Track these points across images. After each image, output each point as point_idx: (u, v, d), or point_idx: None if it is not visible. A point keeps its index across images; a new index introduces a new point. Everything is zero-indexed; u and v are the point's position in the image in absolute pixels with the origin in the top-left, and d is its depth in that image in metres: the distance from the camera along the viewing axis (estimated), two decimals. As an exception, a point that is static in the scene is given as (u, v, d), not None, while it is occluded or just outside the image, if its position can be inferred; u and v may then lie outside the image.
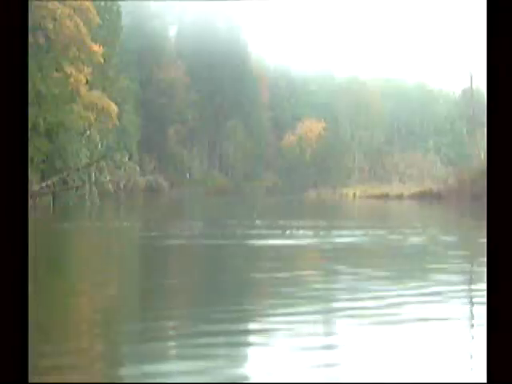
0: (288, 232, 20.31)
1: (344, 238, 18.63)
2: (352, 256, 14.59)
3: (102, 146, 61.02)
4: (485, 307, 5.15)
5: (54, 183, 43.76)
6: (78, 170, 46.16)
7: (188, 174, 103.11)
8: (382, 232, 21.31)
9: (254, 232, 20.69)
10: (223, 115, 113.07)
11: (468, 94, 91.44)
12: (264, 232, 20.58)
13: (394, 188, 75.69)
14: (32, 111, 52.76)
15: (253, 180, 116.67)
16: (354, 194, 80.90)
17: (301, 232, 20.75)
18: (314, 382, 5.17)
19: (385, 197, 70.30)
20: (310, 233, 20.34)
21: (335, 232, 21.02)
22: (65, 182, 48.01)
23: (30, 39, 54.31)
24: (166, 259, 14.09)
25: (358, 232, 20.84)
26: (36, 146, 53.10)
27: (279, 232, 20.44)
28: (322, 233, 20.48)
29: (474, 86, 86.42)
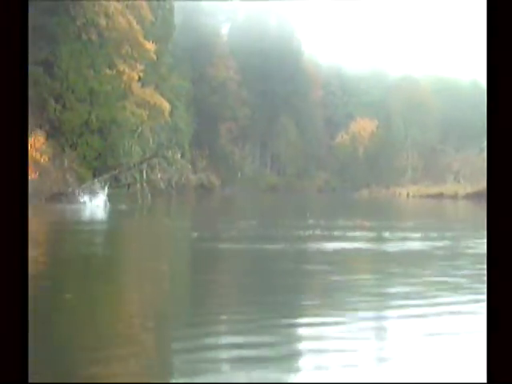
0: (345, 234, 19.56)
1: (407, 242, 17.31)
2: (428, 264, 13.01)
3: (153, 144, 60.83)
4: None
5: (105, 180, 43.55)
6: (129, 167, 45.88)
7: (239, 173, 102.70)
8: (449, 234, 20.55)
9: (307, 233, 19.82)
10: (275, 113, 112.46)
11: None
12: (318, 233, 19.70)
13: (449, 187, 74.46)
14: (84, 108, 52.88)
15: (304, 179, 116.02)
16: (408, 194, 79.90)
17: (357, 234, 19.92)
18: (316, 383, 5.17)
19: (439, 196, 69.12)
20: (370, 235, 19.52)
21: (396, 234, 19.96)
22: (116, 180, 47.84)
23: (83, 36, 54.39)
24: (220, 265, 13.18)
25: (417, 235, 19.70)
26: (88, 143, 53.18)
27: (335, 233, 19.61)
28: (382, 235, 19.50)
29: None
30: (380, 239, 18.24)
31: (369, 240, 17.88)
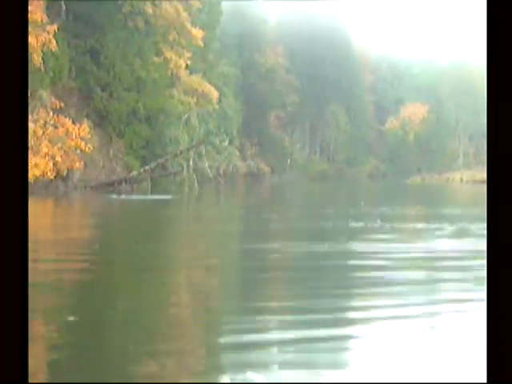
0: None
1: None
2: None
3: (201, 131, 60.23)
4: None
5: (151, 169, 43.07)
6: (176, 155, 45.27)
7: (289, 159, 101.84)
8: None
9: (361, 225, 18.50)
10: (324, 100, 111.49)
11: None
12: (375, 226, 18.29)
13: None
14: (132, 96, 52.52)
15: (355, 165, 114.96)
16: (461, 179, 78.40)
17: (419, 226, 18.63)
18: (315, 383, 5.24)
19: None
20: (447, 228, 17.81)
21: (466, 226, 18.21)
22: (164, 168, 47.34)
23: (130, 24, 53.98)
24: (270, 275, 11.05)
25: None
26: (136, 132, 52.83)
27: (394, 226, 18.38)
28: (449, 229, 17.59)
29: None
30: (462, 233, 16.49)
31: (438, 235, 15.94)
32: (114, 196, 34.32)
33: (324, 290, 8.92)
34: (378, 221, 19.12)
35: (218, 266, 11.17)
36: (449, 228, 17.69)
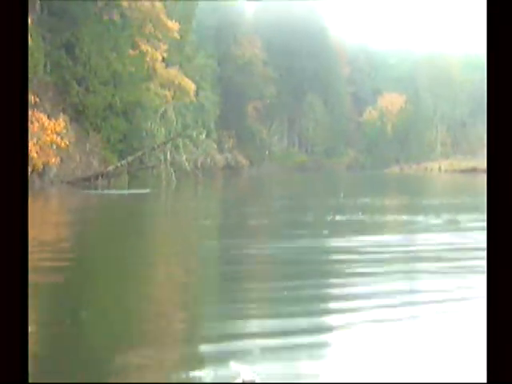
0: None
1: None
2: None
3: (179, 124, 59.89)
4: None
5: (129, 163, 42.71)
6: (153, 149, 44.95)
7: (267, 152, 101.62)
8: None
9: (346, 219, 18.11)
10: (302, 91, 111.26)
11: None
12: (360, 219, 17.98)
13: (482, 162, 72.80)
14: (108, 90, 52.11)
15: (333, 156, 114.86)
16: (440, 168, 78.49)
17: (404, 218, 18.23)
18: (315, 383, 5.32)
19: (472, 171, 67.63)
20: (425, 219, 17.37)
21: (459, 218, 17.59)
22: (142, 162, 47.00)
23: (105, 17, 53.56)
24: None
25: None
26: (113, 126, 52.46)
27: (376, 219, 18.08)
28: (439, 220, 17.11)
29: None
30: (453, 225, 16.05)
31: (431, 230, 15.42)
32: (92, 191, 34.03)
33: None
34: (360, 213, 18.90)
35: (193, 264, 10.95)
36: (437, 220, 17.21)
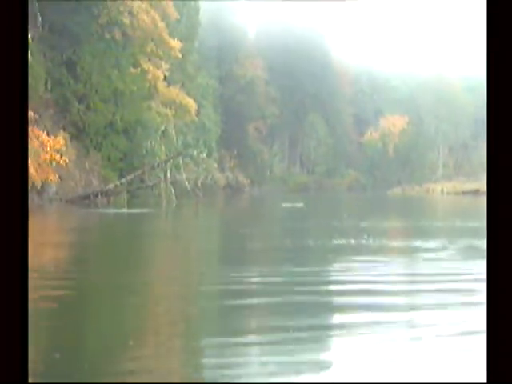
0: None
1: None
2: None
3: (179, 143, 59.57)
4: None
5: (128, 182, 42.33)
6: (153, 167, 44.58)
7: (268, 171, 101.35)
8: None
9: (346, 243, 17.08)
10: (304, 111, 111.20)
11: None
12: (363, 243, 16.97)
13: (484, 184, 72.45)
14: (109, 108, 51.86)
15: (334, 177, 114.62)
16: (442, 190, 78.12)
17: (415, 244, 16.65)
18: (314, 382, 5.28)
19: (475, 193, 67.21)
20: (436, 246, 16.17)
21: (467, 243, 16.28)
22: (142, 181, 46.61)
23: (107, 35, 53.36)
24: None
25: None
26: (113, 144, 52.19)
27: (383, 243, 17.16)
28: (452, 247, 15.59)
29: None
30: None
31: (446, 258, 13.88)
32: (91, 210, 33.59)
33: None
34: (365, 236, 18.19)
35: (190, 293, 10.39)
36: (451, 246, 15.70)
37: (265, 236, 19.69)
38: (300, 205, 41.07)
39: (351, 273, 11.57)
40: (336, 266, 12.94)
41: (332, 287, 10.53)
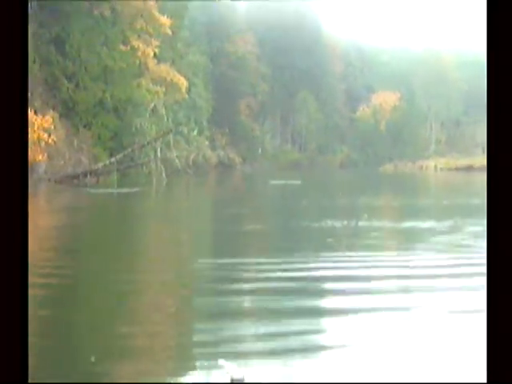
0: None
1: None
2: None
3: (171, 121, 58.92)
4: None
5: (117, 160, 41.74)
6: (143, 145, 44.01)
7: (260, 149, 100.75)
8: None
9: (343, 225, 16.27)
10: (295, 88, 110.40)
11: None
12: (362, 225, 16.45)
13: (478, 160, 71.86)
14: (99, 86, 51.24)
15: (326, 154, 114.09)
16: (435, 167, 77.69)
17: (426, 225, 15.98)
18: (313, 382, 5.27)
19: (468, 169, 66.82)
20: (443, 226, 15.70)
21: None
22: (132, 160, 46.04)
23: (95, 12, 52.66)
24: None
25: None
26: (103, 123, 51.64)
27: (384, 225, 16.40)
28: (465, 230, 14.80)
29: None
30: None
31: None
32: (81, 189, 33.16)
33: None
34: (366, 216, 17.61)
35: (176, 281, 9.97)
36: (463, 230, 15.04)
37: (257, 217, 19.21)
38: (297, 182, 40.66)
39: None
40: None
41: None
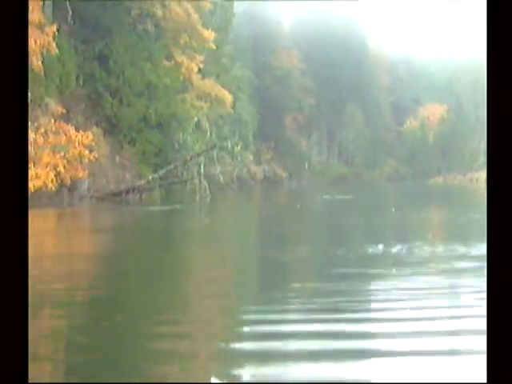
0: None
1: None
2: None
3: (214, 136, 58.26)
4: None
5: (160, 177, 41.07)
6: (186, 161, 43.28)
7: (306, 164, 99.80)
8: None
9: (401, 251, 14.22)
10: (341, 101, 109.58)
11: None
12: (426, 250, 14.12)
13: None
14: (142, 102, 50.85)
15: (373, 168, 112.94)
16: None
17: None
18: (314, 382, 5.26)
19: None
20: None
21: None
22: (175, 176, 45.29)
23: (139, 27, 52.36)
24: None
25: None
26: (147, 139, 51.19)
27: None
28: None
29: None
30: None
31: None
32: (123, 207, 32.51)
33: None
34: (430, 236, 16.01)
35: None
36: None
37: (308, 239, 17.84)
38: (348, 197, 39.55)
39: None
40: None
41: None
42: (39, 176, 32.24)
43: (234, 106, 66.51)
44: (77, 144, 35.90)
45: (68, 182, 35.99)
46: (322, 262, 13.12)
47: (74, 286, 10.57)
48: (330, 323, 7.48)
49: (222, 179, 42.88)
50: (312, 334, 7.08)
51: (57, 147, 34.65)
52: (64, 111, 39.10)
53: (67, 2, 46.32)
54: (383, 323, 7.49)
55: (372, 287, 10.19)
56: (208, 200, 38.34)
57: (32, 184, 30.89)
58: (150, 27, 53.31)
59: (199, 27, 57.59)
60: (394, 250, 14.02)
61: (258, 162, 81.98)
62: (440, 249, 14.10)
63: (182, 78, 56.19)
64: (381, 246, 14.45)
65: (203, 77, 60.91)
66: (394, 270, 11.35)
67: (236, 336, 7.22)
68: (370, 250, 13.97)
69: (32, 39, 33.58)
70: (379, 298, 9.19)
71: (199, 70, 59.00)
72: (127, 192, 38.15)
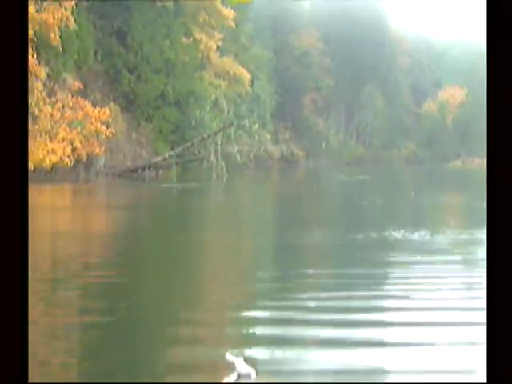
0: None
1: None
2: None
3: (232, 115, 57.99)
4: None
5: (176, 154, 40.86)
6: (203, 139, 43.03)
7: (324, 144, 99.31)
8: None
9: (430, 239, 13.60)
10: (360, 82, 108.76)
11: None
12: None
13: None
14: (160, 79, 50.64)
15: (391, 149, 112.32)
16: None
17: None
18: (315, 383, 5.23)
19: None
20: None
21: None
22: (194, 154, 45.09)
23: (158, 4, 52.04)
24: None
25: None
26: (165, 116, 51.04)
27: None
28: None
29: None
30: None
31: None
32: (139, 183, 32.38)
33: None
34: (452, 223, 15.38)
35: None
36: None
37: (325, 223, 17.35)
38: (365, 178, 39.14)
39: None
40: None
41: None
42: (55, 151, 32.13)
43: (252, 85, 66.16)
44: (93, 120, 35.72)
45: (84, 157, 35.88)
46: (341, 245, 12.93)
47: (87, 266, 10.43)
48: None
49: (239, 158, 42.57)
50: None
51: (73, 122, 34.52)
52: (81, 87, 38.93)
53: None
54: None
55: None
56: (224, 179, 38.07)
57: (48, 159, 30.80)
58: (169, 4, 53.01)
59: (218, 5, 57.31)
60: (416, 236, 13.66)
61: (276, 142, 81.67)
62: (463, 236, 13.76)
63: (200, 55, 55.98)
64: (402, 231, 14.16)
65: (222, 55, 60.63)
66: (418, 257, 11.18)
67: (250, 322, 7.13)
68: (394, 234, 13.69)
69: (50, 13, 33.38)
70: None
71: (218, 47, 58.76)
72: (143, 169, 38.01)
